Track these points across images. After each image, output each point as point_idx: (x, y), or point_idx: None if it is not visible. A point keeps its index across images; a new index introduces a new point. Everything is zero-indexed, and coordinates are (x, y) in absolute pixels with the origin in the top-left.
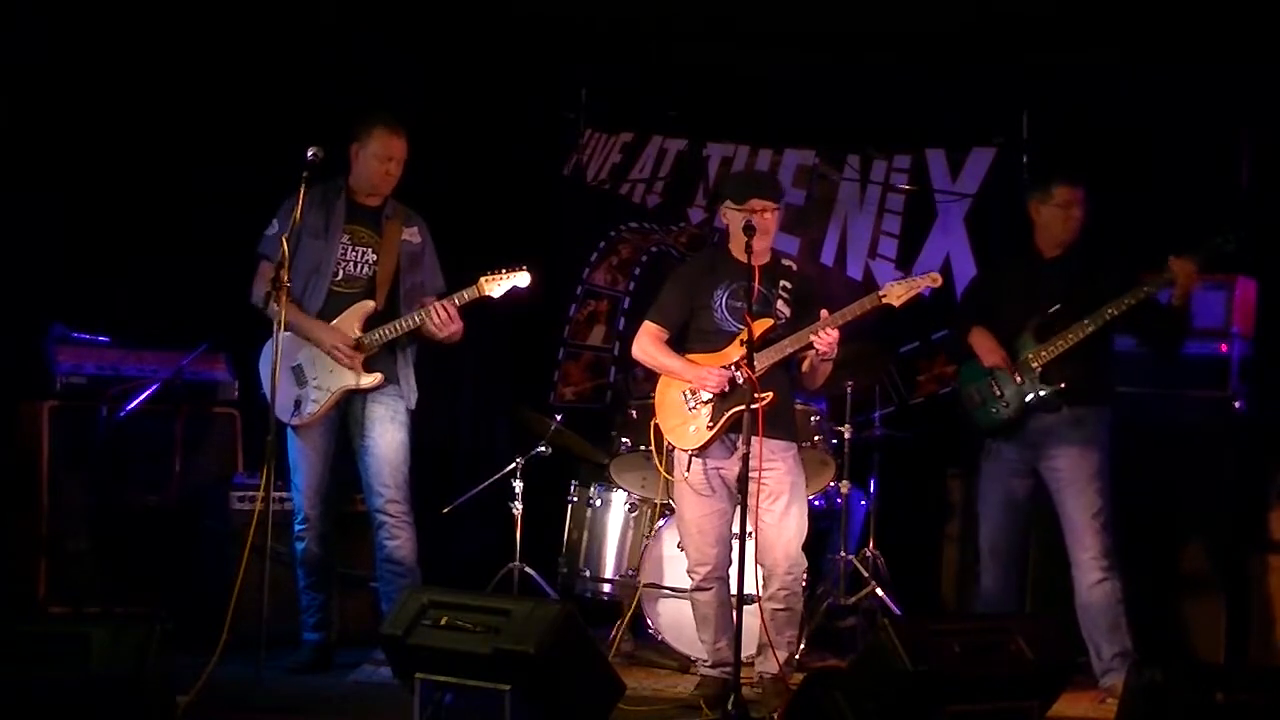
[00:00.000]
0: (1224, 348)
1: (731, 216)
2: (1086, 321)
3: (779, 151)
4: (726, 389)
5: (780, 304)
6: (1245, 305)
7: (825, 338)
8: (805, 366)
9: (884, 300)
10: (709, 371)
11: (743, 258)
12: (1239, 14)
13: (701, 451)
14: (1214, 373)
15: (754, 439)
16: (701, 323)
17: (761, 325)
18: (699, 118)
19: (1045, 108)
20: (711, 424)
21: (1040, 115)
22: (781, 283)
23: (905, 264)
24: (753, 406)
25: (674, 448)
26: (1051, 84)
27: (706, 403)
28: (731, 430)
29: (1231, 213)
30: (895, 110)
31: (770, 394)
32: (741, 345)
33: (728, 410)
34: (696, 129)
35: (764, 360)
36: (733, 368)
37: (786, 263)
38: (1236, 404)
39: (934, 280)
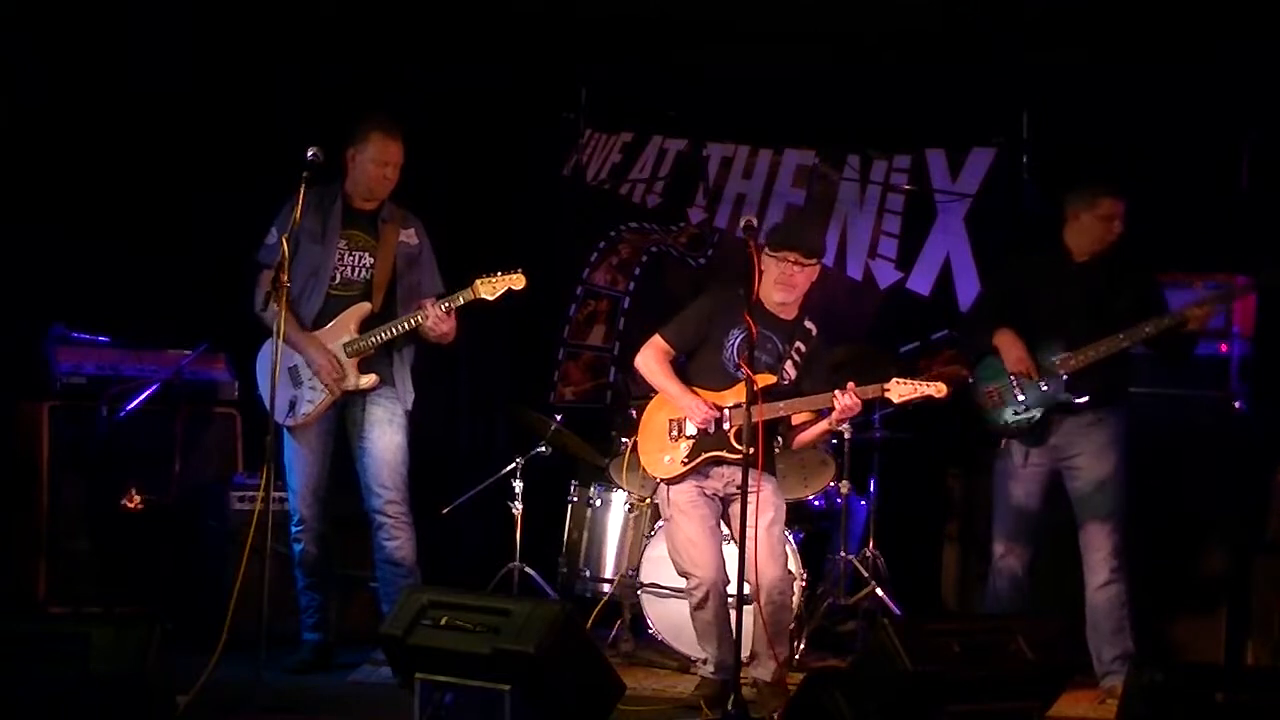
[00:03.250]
0: (1224, 348)
1: (767, 263)
2: (1122, 336)
3: (779, 151)
4: (710, 429)
5: (789, 365)
6: (1245, 305)
7: (847, 401)
8: (795, 422)
9: (886, 393)
10: (700, 404)
11: (771, 305)
12: (1239, 14)
13: (672, 481)
14: (1214, 373)
15: (752, 444)
16: (709, 357)
17: (764, 380)
18: (699, 118)
19: (1045, 108)
20: (687, 460)
21: (1040, 115)
22: (798, 344)
23: (905, 264)
24: (752, 422)
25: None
26: (1051, 84)
27: (689, 437)
28: (710, 462)
29: (1231, 214)
30: (895, 110)
31: (752, 450)
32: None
33: (706, 451)
34: (696, 129)
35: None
36: (730, 406)
37: (809, 325)
38: (1236, 404)
39: (939, 390)
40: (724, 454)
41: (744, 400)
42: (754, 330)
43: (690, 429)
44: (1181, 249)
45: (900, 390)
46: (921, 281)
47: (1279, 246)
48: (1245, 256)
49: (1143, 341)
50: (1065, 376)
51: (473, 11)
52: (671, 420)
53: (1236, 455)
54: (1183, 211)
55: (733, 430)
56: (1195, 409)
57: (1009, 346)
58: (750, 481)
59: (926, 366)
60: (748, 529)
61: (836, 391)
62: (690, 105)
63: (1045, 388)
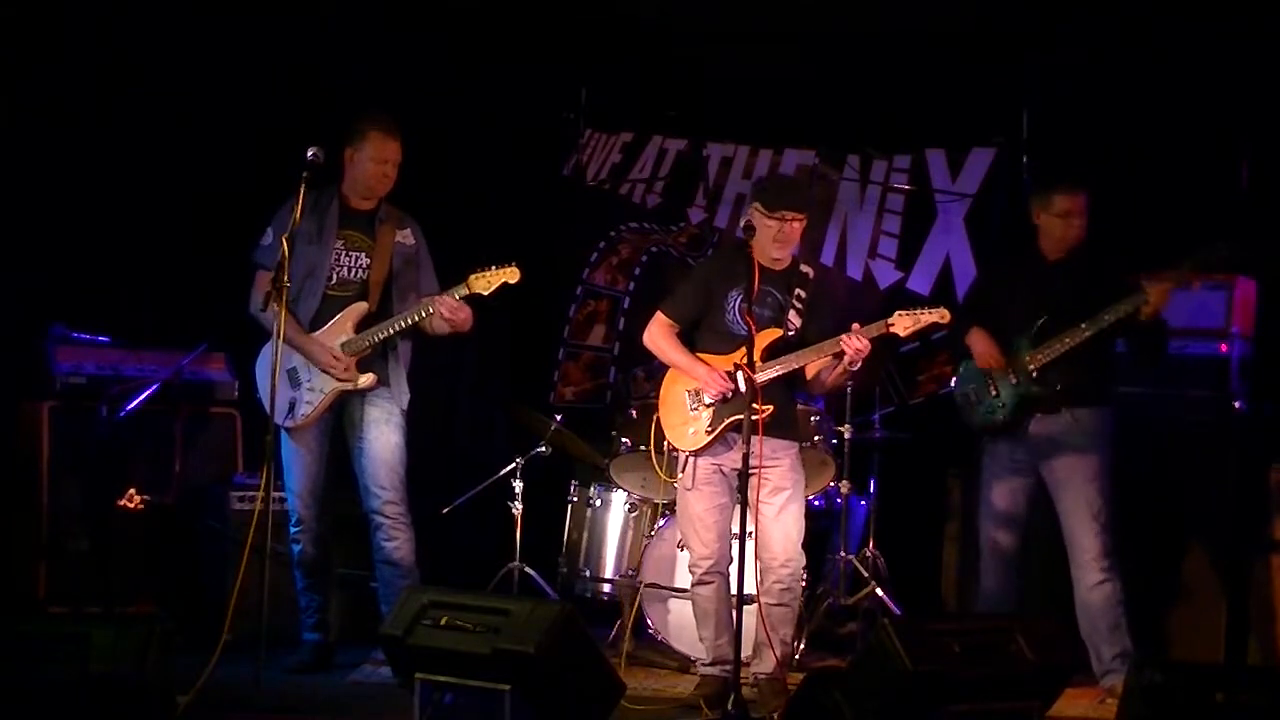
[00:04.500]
0: (1224, 348)
1: (758, 220)
2: (1084, 326)
3: (779, 151)
4: (728, 395)
5: (793, 314)
6: (1245, 305)
7: (855, 343)
8: (810, 373)
9: (891, 329)
10: (714, 374)
11: (766, 261)
12: (1238, 14)
13: (699, 452)
14: (1214, 373)
15: (754, 439)
16: (714, 322)
17: (770, 335)
18: (699, 118)
19: (1045, 108)
20: (710, 428)
21: (1040, 115)
22: (797, 291)
23: (905, 264)
24: (753, 418)
25: (674, 448)
26: (1051, 84)
27: (708, 406)
28: (734, 429)
29: (1231, 213)
30: (895, 110)
31: (770, 407)
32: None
33: (727, 417)
34: (696, 129)
35: (769, 372)
36: (734, 368)
37: (805, 269)
38: (1236, 404)
39: (942, 316)
40: (745, 415)
41: (748, 360)
42: (759, 282)
43: (708, 397)
44: (1181, 249)
45: (903, 323)
46: (921, 281)
47: (1279, 246)
48: (1245, 256)
49: (1109, 332)
50: (1034, 371)
51: (472, 11)
52: (689, 391)
53: (1236, 455)
54: (1183, 211)
55: (746, 381)
56: (1195, 409)
57: (977, 343)
58: (767, 452)
59: (926, 367)
60: (761, 508)
61: (843, 336)
62: (690, 105)
63: (1016, 382)
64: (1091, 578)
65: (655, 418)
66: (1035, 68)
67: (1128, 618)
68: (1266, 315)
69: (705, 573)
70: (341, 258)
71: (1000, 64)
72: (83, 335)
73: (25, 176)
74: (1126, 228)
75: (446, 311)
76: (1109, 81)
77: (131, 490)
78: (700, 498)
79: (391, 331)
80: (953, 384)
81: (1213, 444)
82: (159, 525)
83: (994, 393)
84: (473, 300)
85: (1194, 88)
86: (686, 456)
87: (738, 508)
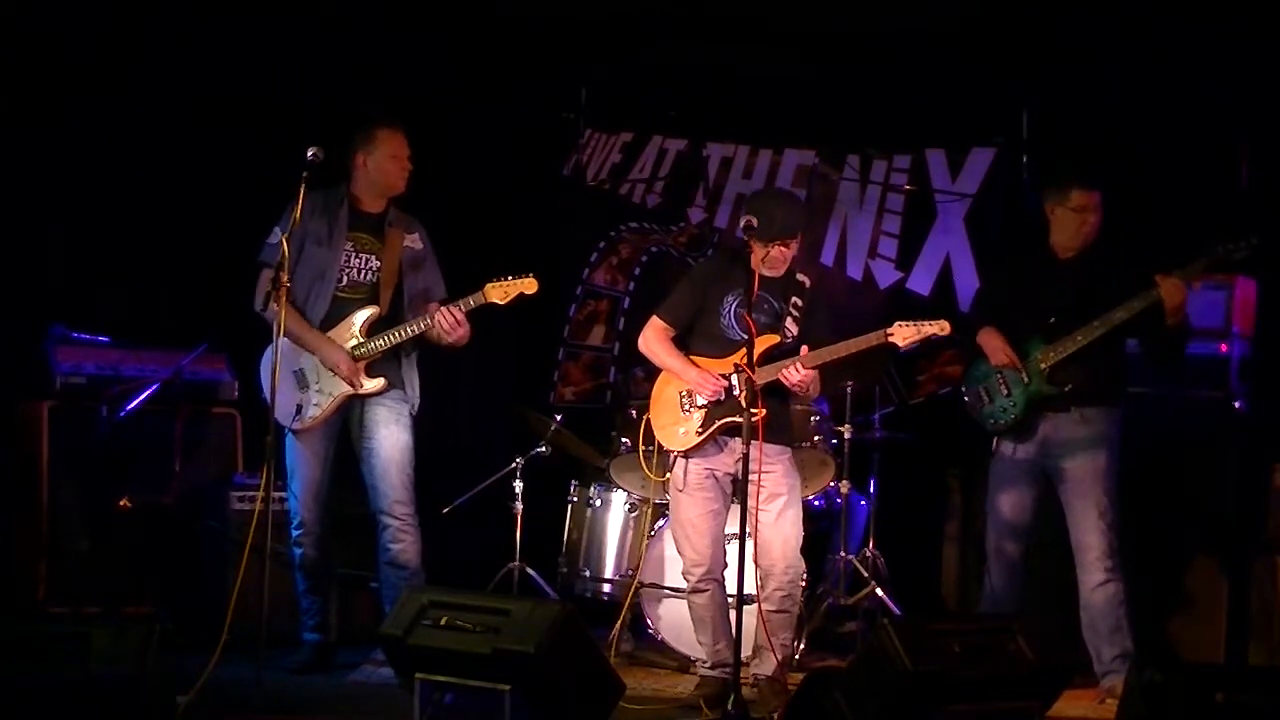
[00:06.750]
0: (1224, 348)
1: (755, 247)
2: (1096, 323)
3: (779, 151)
4: (721, 398)
5: (789, 321)
6: (1245, 305)
7: (794, 376)
8: None
9: (890, 339)
10: (707, 377)
11: (761, 269)
12: (1238, 14)
13: (689, 453)
14: (1214, 373)
15: (753, 443)
16: (709, 326)
17: (767, 341)
18: (699, 118)
19: (1045, 108)
20: (701, 430)
21: (1040, 115)
22: (793, 299)
23: (905, 264)
24: (752, 419)
25: (666, 450)
26: (1051, 84)
27: (700, 408)
28: (725, 432)
29: (1231, 214)
30: (895, 110)
31: (763, 411)
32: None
33: (719, 419)
34: (696, 129)
35: (762, 377)
36: (733, 371)
37: (801, 278)
38: (1236, 404)
39: (942, 328)
40: (737, 418)
41: (744, 363)
42: (760, 289)
43: (700, 399)
44: (1182, 249)
45: (903, 333)
46: (921, 281)
47: (1279, 246)
48: (1245, 256)
49: (1121, 330)
50: (1046, 370)
51: (472, 11)
52: (682, 392)
53: (1236, 455)
54: (1183, 211)
55: (743, 394)
56: (1195, 409)
57: (989, 341)
58: (760, 459)
59: (926, 367)
60: (757, 512)
61: (784, 370)
62: (690, 105)
63: (1027, 381)
64: (1095, 578)
65: (645, 418)
66: (1035, 68)
67: (1130, 619)
68: (1266, 315)
69: (699, 580)
70: (352, 260)
71: (1000, 64)
72: (83, 335)
73: (25, 176)
74: (1126, 227)
75: (446, 326)
76: (1109, 81)
77: (127, 494)
78: (692, 503)
79: (400, 338)
80: (963, 387)
81: (1213, 444)
82: (159, 525)
83: (1005, 392)
84: (486, 308)
85: (1194, 88)
86: (677, 458)
87: (732, 513)
